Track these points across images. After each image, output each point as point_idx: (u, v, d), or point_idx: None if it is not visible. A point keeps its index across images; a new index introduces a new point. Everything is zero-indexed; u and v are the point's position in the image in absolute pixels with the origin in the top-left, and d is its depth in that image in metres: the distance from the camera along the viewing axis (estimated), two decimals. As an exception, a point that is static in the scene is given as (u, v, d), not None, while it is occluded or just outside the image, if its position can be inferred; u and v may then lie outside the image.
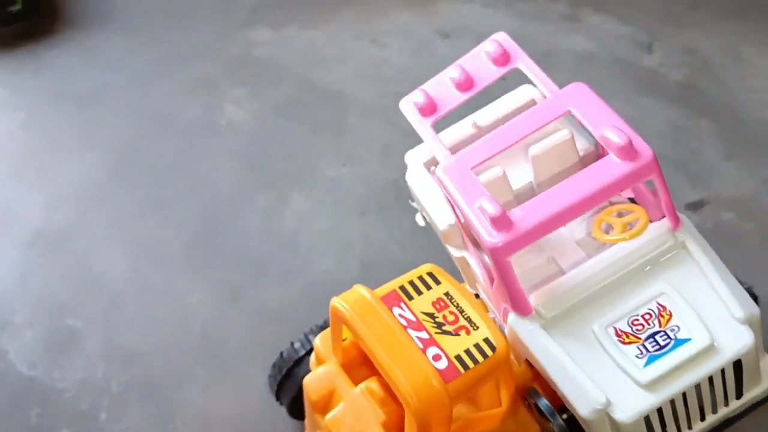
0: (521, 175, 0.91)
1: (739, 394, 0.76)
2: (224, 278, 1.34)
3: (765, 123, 1.61)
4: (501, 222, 0.73)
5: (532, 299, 0.77)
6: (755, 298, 1.11)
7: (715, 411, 0.76)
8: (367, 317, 0.84)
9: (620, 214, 0.79)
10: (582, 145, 0.90)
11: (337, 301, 0.86)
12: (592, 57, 1.78)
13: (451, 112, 0.94)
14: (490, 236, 0.73)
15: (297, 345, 1.07)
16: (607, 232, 0.79)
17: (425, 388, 0.79)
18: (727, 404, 0.76)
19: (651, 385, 0.71)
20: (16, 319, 1.31)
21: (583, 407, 0.72)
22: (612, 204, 0.85)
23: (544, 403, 0.82)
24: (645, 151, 0.74)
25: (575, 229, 0.87)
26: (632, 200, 0.89)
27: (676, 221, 0.78)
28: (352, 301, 0.86)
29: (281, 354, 1.08)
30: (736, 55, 1.75)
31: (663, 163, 1.52)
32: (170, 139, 1.55)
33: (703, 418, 0.76)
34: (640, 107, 1.67)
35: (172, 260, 1.37)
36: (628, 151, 0.74)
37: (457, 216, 0.85)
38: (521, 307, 0.77)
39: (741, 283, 1.11)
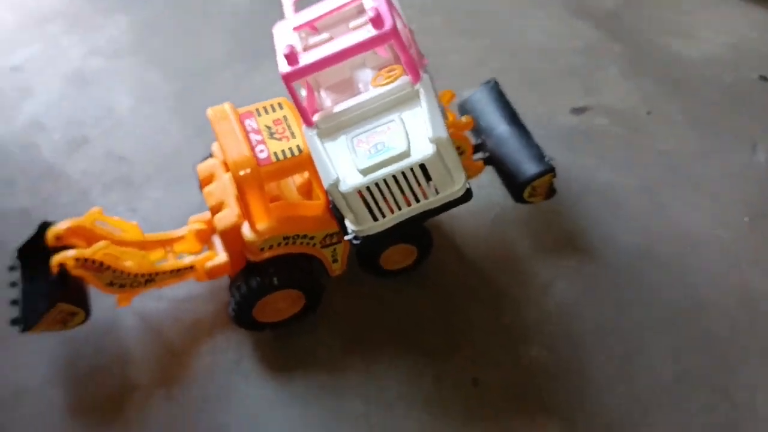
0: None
1: (436, 191, 1.14)
2: (198, 122, 1.81)
3: (670, 54, 1.88)
4: (290, 58, 1.12)
5: (316, 117, 1.17)
6: (552, 170, 1.45)
7: (418, 200, 1.14)
8: (222, 121, 1.28)
9: (390, 71, 1.18)
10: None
11: (208, 110, 1.30)
12: (545, -18, 2.08)
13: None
14: (281, 67, 1.13)
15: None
16: (379, 81, 1.17)
17: (242, 163, 1.22)
18: (426, 198, 1.14)
19: (364, 171, 1.10)
20: (48, 125, 1.84)
21: (324, 181, 1.12)
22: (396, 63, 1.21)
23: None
24: (388, 23, 1.10)
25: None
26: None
27: (416, 77, 1.14)
28: (217, 110, 1.30)
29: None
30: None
31: (568, 75, 1.88)
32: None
33: (409, 204, 1.14)
34: (570, 27, 1.97)
35: (163, 99, 1.85)
36: (376, 22, 1.10)
37: None
38: (307, 121, 1.17)
39: (544, 155, 1.46)
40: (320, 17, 1.20)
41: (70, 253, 1.28)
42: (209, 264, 1.40)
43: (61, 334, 1.39)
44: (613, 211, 1.61)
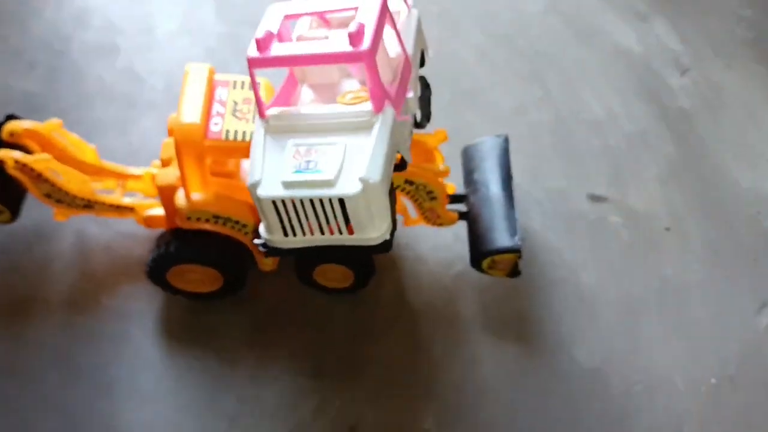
0: None
1: (350, 232, 1.06)
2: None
3: (721, 176, 1.69)
4: (261, 44, 1.06)
5: (272, 111, 1.11)
6: (517, 252, 1.34)
7: (332, 233, 1.07)
8: (193, 81, 1.23)
9: (363, 91, 1.10)
10: (395, 53, 1.17)
11: (188, 65, 1.26)
12: (629, 53, 1.92)
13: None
14: (250, 50, 1.07)
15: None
16: (347, 99, 1.10)
17: (188, 127, 1.18)
18: (341, 233, 1.07)
19: (286, 184, 1.03)
20: (89, 23, 1.86)
21: (248, 178, 1.07)
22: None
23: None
24: (366, 46, 1.02)
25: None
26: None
27: (378, 108, 1.06)
28: (195, 68, 1.25)
29: None
30: (752, 113, 1.81)
31: (604, 157, 1.74)
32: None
33: (323, 233, 1.07)
34: (631, 110, 1.81)
35: (204, 36, 1.84)
36: (353, 38, 1.02)
37: None
38: (261, 111, 1.10)
39: (516, 232, 1.35)
40: (312, 14, 1.14)
41: (12, 154, 1.28)
42: (147, 212, 1.38)
43: (-6, 223, 1.41)
44: (583, 317, 1.47)
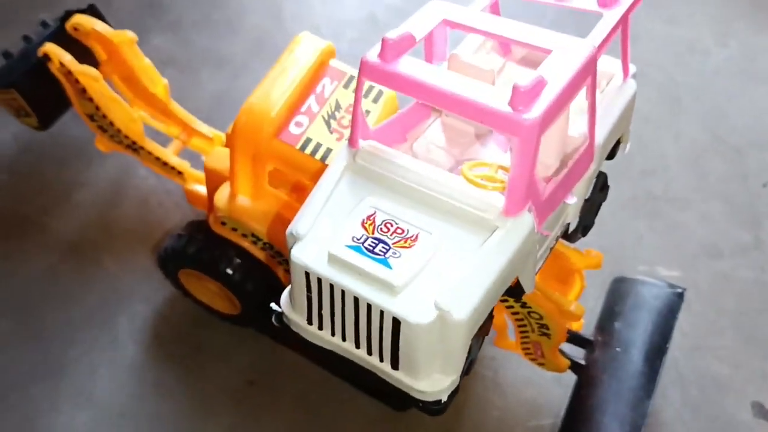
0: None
1: (395, 365, 0.69)
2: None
3: None
4: (387, 50, 0.70)
5: (365, 144, 0.75)
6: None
7: (369, 353, 0.70)
8: (295, 58, 0.88)
9: (502, 171, 0.72)
10: (577, 131, 0.78)
11: (302, 34, 0.92)
12: None
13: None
14: (370, 55, 0.71)
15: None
16: (475, 174, 0.72)
17: (256, 113, 0.84)
18: (381, 360, 0.70)
19: (331, 259, 0.68)
20: None
21: (292, 225, 0.72)
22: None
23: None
24: (531, 117, 0.64)
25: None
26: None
27: (513, 210, 0.68)
28: (308, 41, 0.90)
29: None
30: None
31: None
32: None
33: (358, 346, 0.71)
34: None
35: None
36: (518, 98, 0.64)
37: None
38: (353, 140, 0.75)
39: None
40: (479, 32, 0.76)
41: (62, 54, 1.00)
42: (192, 185, 1.07)
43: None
44: None
